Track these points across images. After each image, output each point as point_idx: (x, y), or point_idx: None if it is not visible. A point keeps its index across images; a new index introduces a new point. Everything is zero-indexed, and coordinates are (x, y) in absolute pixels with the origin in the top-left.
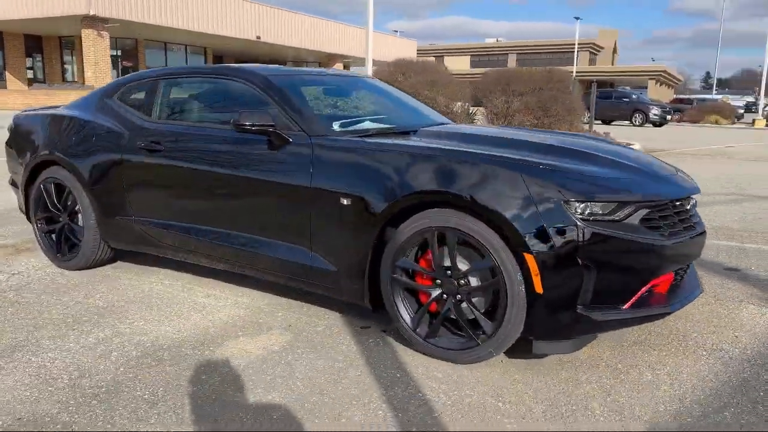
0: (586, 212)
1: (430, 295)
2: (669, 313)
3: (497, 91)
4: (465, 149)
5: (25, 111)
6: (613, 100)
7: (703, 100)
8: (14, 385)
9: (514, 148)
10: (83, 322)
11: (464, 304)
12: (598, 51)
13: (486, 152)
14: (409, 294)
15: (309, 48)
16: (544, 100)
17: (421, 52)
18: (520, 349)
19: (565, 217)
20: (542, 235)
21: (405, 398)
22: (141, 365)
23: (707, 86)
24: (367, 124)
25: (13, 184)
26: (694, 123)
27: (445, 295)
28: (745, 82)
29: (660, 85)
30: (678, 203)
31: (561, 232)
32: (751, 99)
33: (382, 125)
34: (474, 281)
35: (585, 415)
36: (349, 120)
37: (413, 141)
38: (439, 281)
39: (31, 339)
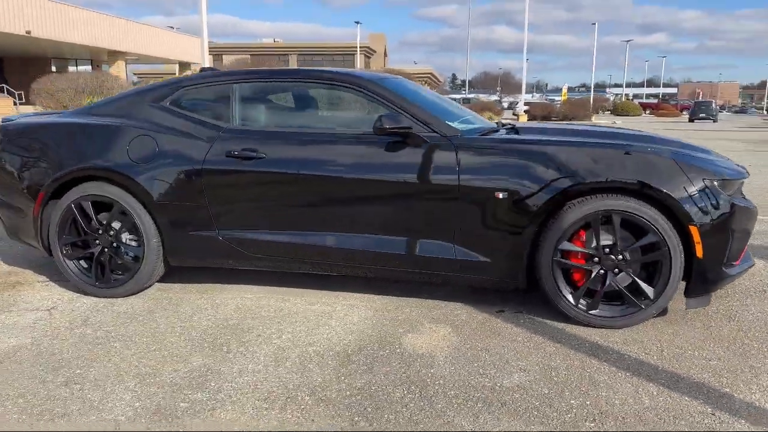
0: (724, 188)
1: (590, 272)
2: (752, 265)
3: None
4: (603, 142)
5: (14, 119)
6: None
7: (468, 99)
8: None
9: (610, 137)
10: (236, 339)
11: (617, 276)
12: (372, 54)
13: (619, 142)
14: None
15: (89, 44)
16: None
17: None
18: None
19: (716, 193)
20: (702, 210)
21: (617, 353)
22: (357, 370)
23: (455, 87)
24: (467, 123)
25: (3, 206)
26: None
27: (603, 271)
28: (485, 82)
29: (426, 85)
30: None
31: (716, 206)
32: (495, 97)
33: (480, 124)
34: (631, 256)
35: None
36: (458, 119)
37: (549, 137)
38: (597, 259)
39: (208, 363)
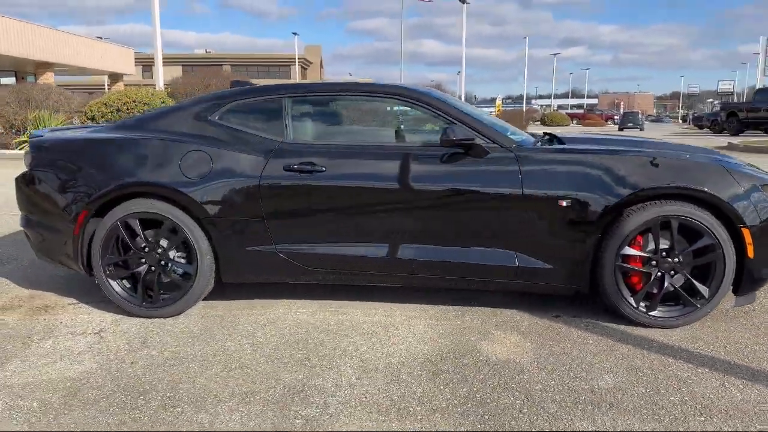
0: (765, 192)
1: (649, 275)
2: None
3: None
4: (658, 150)
5: (42, 134)
6: None
7: None
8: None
9: (652, 147)
10: (314, 354)
11: (673, 278)
12: (308, 65)
13: (672, 151)
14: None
15: (16, 55)
16: None
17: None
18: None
19: (763, 197)
20: (753, 213)
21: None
22: (452, 379)
23: None
24: (516, 134)
25: (34, 226)
26: None
27: (660, 273)
28: None
29: None
30: None
31: (764, 208)
32: None
33: (526, 135)
34: (687, 258)
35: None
36: (508, 131)
37: (602, 146)
38: (654, 262)
39: (299, 378)
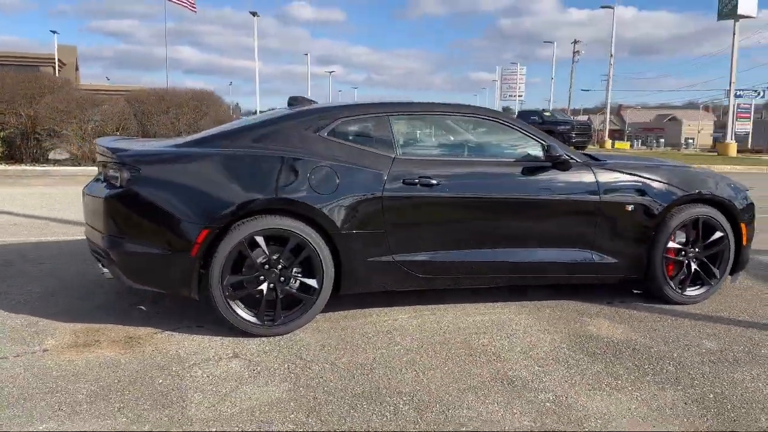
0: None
1: (682, 263)
2: None
3: None
4: (684, 165)
5: (128, 149)
6: None
7: None
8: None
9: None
10: (480, 352)
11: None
12: (63, 66)
13: (688, 165)
14: None
15: None
16: None
17: None
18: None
19: (749, 200)
20: (745, 212)
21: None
22: (609, 357)
23: None
24: None
25: (126, 248)
26: None
27: (687, 261)
28: None
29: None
30: None
31: (750, 209)
32: None
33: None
34: (706, 248)
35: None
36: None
37: (646, 162)
38: (684, 252)
39: (499, 369)
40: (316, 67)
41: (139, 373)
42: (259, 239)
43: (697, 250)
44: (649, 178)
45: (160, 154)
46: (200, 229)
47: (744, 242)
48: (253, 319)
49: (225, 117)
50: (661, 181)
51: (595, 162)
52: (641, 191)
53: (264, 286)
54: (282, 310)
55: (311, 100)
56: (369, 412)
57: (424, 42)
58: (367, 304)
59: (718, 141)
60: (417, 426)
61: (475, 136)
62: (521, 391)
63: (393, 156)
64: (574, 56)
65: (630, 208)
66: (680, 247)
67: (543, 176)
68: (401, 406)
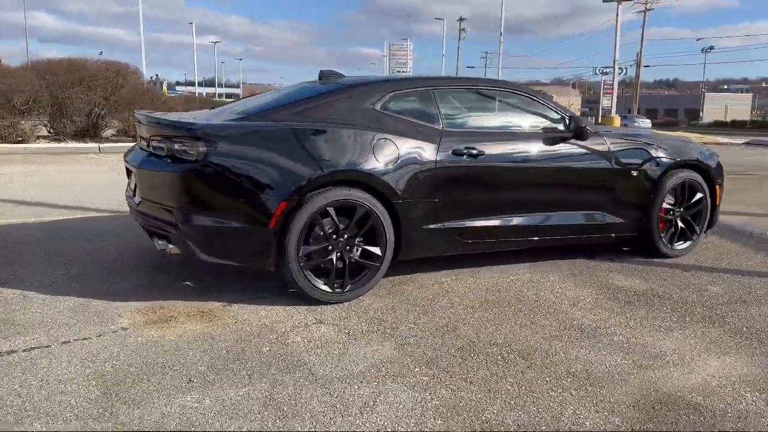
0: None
1: (671, 221)
2: None
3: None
4: (672, 136)
5: (196, 121)
6: None
7: None
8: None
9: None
10: (549, 311)
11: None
12: None
13: (675, 135)
14: None
15: None
16: None
17: None
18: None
19: (720, 164)
20: (719, 174)
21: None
22: (645, 302)
23: None
24: None
25: (202, 223)
26: None
27: (675, 220)
28: None
29: None
30: None
31: (721, 171)
32: None
33: None
34: (690, 208)
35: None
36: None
37: (632, 130)
38: (672, 212)
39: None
40: (189, 36)
41: (239, 342)
42: (331, 210)
43: (682, 209)
44: (649, 146)
45: (234, 128)
46: (279, 201)
47: (717, 203)
48: (326, 288)
49: (143, 90)
50: (658, 148)
51: (606, 132)
52: (644, 158)
53: (333, 256)
54: (349, 278)
55: (340, 75)
56: (482, 361)
57: (302, 15)
58: (408, 271)
59: (605, 116)
60: (532, 370)
61: (508, 109)
62: (596, 335)
63: (440, 128)
64: (460, 34)
65: (635, 173)
66: (670, 207)
67: (567, 145)
68: (506, 354)
